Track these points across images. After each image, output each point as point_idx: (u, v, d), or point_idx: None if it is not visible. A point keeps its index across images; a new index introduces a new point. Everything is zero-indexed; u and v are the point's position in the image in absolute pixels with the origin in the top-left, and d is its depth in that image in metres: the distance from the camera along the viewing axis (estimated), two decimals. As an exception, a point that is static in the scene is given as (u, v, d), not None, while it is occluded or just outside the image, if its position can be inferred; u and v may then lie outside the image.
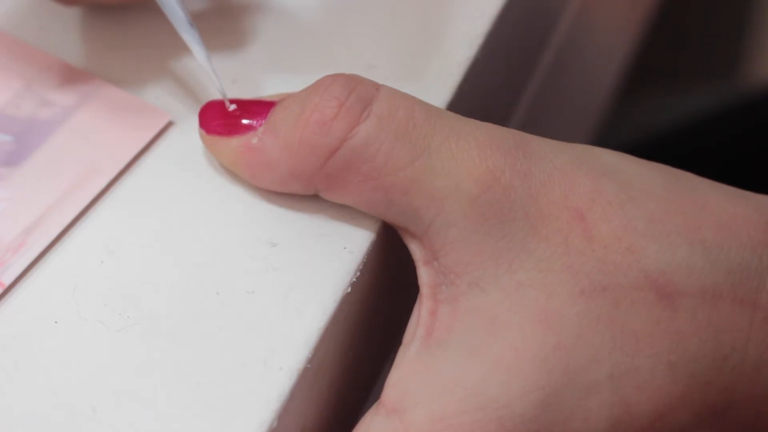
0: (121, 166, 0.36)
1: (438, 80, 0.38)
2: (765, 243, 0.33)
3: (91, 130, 0.37)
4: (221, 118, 0.35)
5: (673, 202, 0.33)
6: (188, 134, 0.37)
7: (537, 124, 0.55)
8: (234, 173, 0.36)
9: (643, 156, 0.35)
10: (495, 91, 0.45)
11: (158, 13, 0.39)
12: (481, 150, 0.33)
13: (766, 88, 0.89)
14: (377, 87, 0.34)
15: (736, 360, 0.32)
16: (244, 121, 0.35)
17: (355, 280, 0.34)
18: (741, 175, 0.44)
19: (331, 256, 0.35)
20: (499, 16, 0.40)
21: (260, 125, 0.34)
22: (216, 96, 0.36)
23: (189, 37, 0.36)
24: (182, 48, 0.39)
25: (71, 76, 0.38)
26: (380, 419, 0.32)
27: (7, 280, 0.34)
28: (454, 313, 0.33)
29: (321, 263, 0.34)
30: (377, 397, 0.33)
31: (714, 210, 0.33)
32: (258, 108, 0.35)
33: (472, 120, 0.34)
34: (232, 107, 0.35)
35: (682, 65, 1.02)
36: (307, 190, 0.34)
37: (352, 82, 0.34)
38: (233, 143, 0.35)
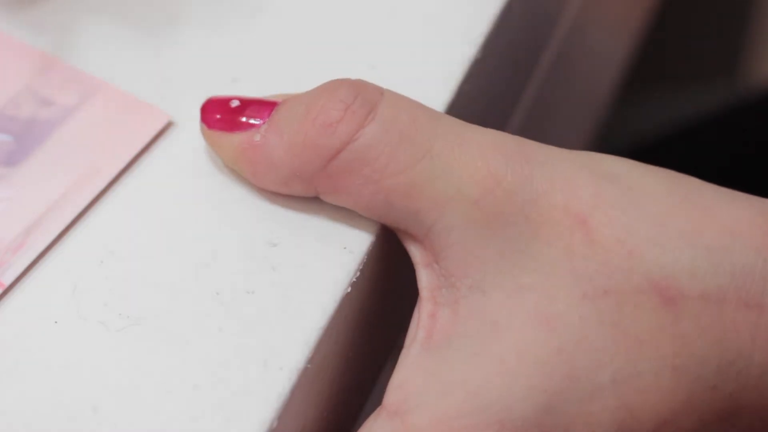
0: (121, 166, 0.36)
1: (438, 80, 0.38)
2: None
3: (91, 130, 0.37)
4: (224, 113, 0.35)
5: (675, 206, 0.33)
6: (188, 134, 0.37)
7: (537, 125, 0.55)
8: (235, 170, 0.36)
9: (643, 157, 0.35)
10: (495, 91, 0.45)
11: (158, 13, 0.39)
12: (483, 154, 0.33)
13: (767, 88, 0.89)
14: (381, 91, 0.34)
15: (742, 365, 0.32)
16: (247, 119, 0.35)
17: (355, 280, 0.34)
18: (742, 176, 0.44)
19: (331, 256, 0.35)
20: (499, 16, 0.40)
21: (263, 123, 0.35)
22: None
23: None
24: (182, 48, 0.39)
25: (71, 76, 0.38)
26: (382, 422, 0.32)
27: (7, 281, 0.34)
28: (454, 315, 0.33)
29: (321, 263, 0.34)
30: (377, 397, 0.33)
31: (717, 213, 0.33)
32: (261, 106, 0.35)
33: (475, 126, 0.34)
34: (235, 103, 0.35)
35: (683, 66, 1.02)
36: (308, 192, 0.35)
37: (357, 87, 0.34)
38: (235, 139, 0.35)
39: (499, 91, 0.47)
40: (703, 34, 1.01)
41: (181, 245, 0.35)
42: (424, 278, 0.34)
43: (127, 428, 0.32)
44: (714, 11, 1.01)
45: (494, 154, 0.33)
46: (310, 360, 0.33)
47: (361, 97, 0.34)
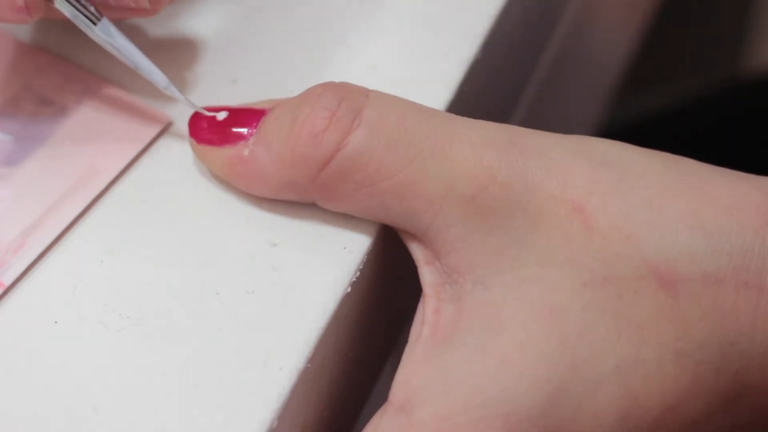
0: (122, 166, 0.36)
1: (438, 80, 0.38)
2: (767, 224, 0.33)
3: (91, 130, 0.37)
4: (211, 127, 0.35)
5: (672, 188, 0.33)
6: (188, 135, 0.37)
7: (537, 124, 0.54)
8: (227, 182, 0.36)
9: (645, 144, 0.35)
10: (496, 90, 0.45)
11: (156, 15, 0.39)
12: (476, 150, 0.33)
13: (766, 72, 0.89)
14: (367, 94, 0.34)
15: (744, 345, 0.32)
16: (235, 130, 0.35)
17: (355, 280, 0.34)
18: (743, 159, 0.44)
19: (331, 256, 0.35)
20: (499, 15, 0.40)
21: (251, 134, 0.34)
22: (211, 103, 0.36)
23: (146, 66, 0.36)
24: (182, 48, 0.39)
25: (71, 75, 0.38)
26: (388, 418, 0.32)
27: (7, 281, 0.34)
28: (458, 311, 0.33)
29: (321, 263, 0.34)
30: (377, 397, 0.33)
31: (714, 194, 0.33)
32: (248, 116, 0.35)
33: (466, 119, 0.34)
34: (222, 115, 0.35)
35: (686, 55, 1.01)
36: (303, 199, 0.35)
37: (342, 91, 0.34)
38: (225, 153, 0.35)
39: (500, 90, 0.47)
40: (706, 22, 1.01)
41: (181, 245, 0.35)
42: (426, 275, 0.34)
43: (127, 428, 0.32)
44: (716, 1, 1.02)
45: (487, 149, 0.33)
46: (310, 360, 0.33)
47: (346, 103, 0.33)
